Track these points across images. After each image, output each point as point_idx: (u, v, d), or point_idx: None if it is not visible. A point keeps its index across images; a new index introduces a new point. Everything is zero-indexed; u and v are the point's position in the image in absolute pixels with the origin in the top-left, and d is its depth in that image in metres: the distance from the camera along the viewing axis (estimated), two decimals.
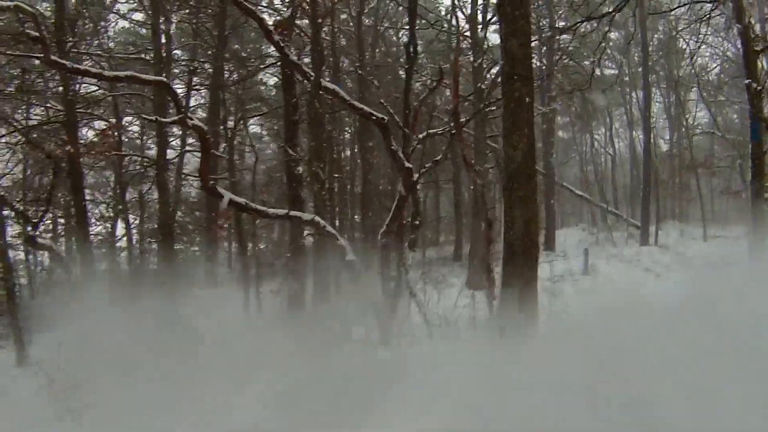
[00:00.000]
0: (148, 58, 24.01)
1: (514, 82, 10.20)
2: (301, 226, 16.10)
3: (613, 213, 36.45)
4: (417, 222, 16.15)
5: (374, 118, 14.16)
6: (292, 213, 14.53)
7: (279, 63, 20.03)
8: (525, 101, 10.24)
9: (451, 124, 16.22)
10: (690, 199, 36.27)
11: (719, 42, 32.98)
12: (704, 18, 28.19)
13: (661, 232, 31.61)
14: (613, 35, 38.18)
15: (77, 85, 22.64)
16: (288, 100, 17.26)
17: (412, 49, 16.48)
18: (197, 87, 28.15)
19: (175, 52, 26.75)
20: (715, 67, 34.89)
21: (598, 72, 38.40)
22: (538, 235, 11.30)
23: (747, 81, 14.17)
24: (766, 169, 14.53)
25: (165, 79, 14.46)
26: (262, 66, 25.13)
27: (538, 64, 33.20)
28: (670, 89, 37.14)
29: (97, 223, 28.54)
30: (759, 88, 13.83)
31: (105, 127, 21.93)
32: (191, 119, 13.62)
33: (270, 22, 16.46)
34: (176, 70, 27.08)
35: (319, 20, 16.07)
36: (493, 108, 21.02)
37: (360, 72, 23.53)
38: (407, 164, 14.37)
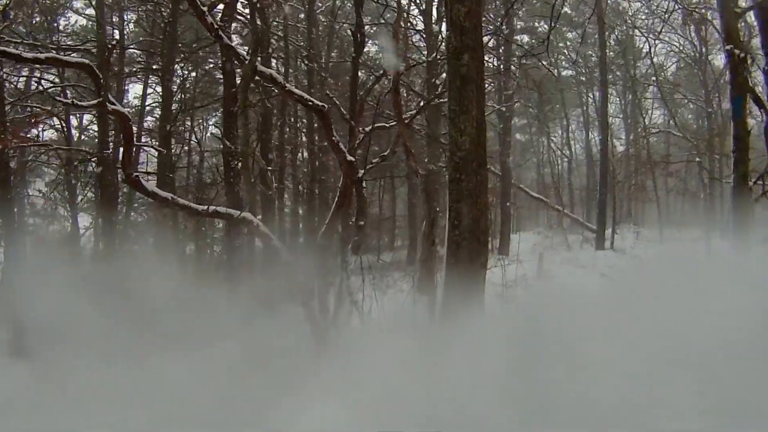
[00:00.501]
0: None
1: (461, 55, 8.84)
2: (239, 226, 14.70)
3: (569, 216, 35.38)
4: (362, 223, 14.74)
5: (312, 104, 12.73)
6: (220, 209, 13.09)
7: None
8: (473, 77, 8.89)
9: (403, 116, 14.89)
10: (646, 201, 35.42)
11: (676, 39, 32.39)
12: (662, 14, 27.57)
13: (617, 236, 30.67)
14: (570, 35, 37.75)
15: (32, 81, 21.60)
16: (227, 89, 15.86)
17: (359, 36, 15.19)
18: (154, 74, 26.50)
19: (133, 52, 25.50)
20: (672, 65, 34.12)
21: (555, 72, 38.07)
22: (488, 233, 10.00)
23: (728, 47, 12.36)
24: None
25: (87, 61, 12.98)
26: (198, 47, 23.21)
27: (496, 63, 32.37)
28: (627, 89, 36.27)
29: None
30: (742, 55, 12.06)
31: (31, 114, 20.32)
32: (113, 104, 12.20)
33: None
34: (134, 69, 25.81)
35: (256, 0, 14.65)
36: (446, 101, 19.65)
37: (307, 63, 21.98)
38: (349, 157, 13.00)
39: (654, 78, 32.97)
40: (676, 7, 28.35)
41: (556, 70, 38.21)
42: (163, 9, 22.77)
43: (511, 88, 30.58)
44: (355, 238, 14.74)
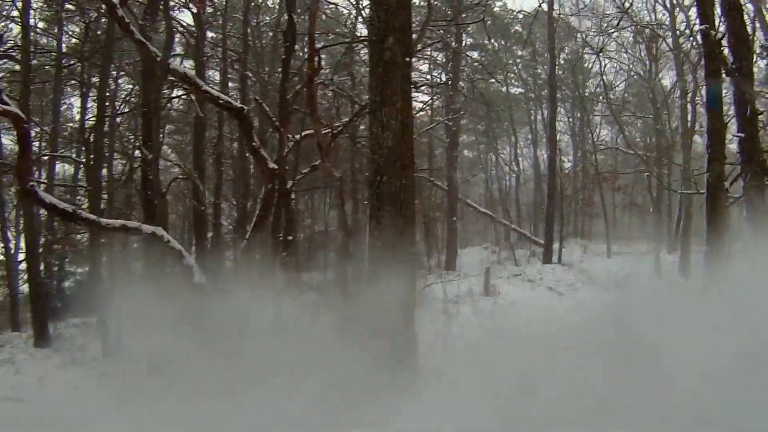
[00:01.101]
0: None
1: (385, 37, 7.20)
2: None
3: (517, 231, 33.96)
4: (291, 238, 13.03)
5: (227, 105, 11.01)
6: (129, 224, 11.31)
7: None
8: (399, 64, 7.26)
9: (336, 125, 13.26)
10: (594, 215, 34.30)
11: (626, 57, 31.43)
12: (611, 30, 26.55)
13: (565, 250, 29.38)
14: (521, 53, 36.68)
15: None
16: (146, 92, 14.08)
17: (289, 38, 13.55)
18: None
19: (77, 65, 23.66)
20: (621, 82, 33.07)
21: (504, 89, 36.95)
22: (415, 246, 8.34)
23: (703, 26, 10.43)
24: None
25: None
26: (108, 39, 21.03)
27: (445, 77, 31.15)
28: (576, 107, 35.17)
29: None
30: (718, 36, 10.14)
31: None
32: (7, 104, 10.44)
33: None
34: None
35: None
36: None
37: (237, 68, 19.99)
38: (271, 164, 11.30)
39: (603, 96, 31.84)
40: (626, 24, 27.57)
41: (505, 87, 37.24)
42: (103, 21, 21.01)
43: (458, 102, 29.23)
44: (283, 254, 13.07)
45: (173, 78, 12.09)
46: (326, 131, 13.99)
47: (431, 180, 29.52)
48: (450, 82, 29.52)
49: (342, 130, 13.60)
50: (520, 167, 39.64)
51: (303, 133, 13.44)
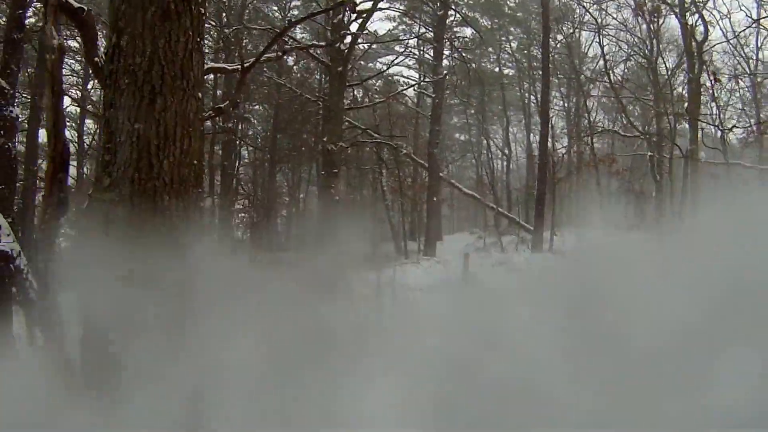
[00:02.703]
0: None
1: None
2: None
3: (505, 215, 29.96)
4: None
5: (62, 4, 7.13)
6: None
7: None
8: None
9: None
10: (590, 202, 30.58)
11: (624, 37, 27.77)
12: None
13: (557, 237, 25.51)
14: (514, 30, 33.78)
15: None
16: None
17: None
18: None
19: None
20: (619, 62, 29.25)
21: (496, 70, 33.57)
22: (203, 172, 4.46)
23: None
24: None
25: None
26: None
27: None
28: (572, 88, 31.42)
29: None
30: None
31: None
32: None
33: None
34: None
35: None
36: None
37: None
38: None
39: (602, 74, 28.11)
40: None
41: (498, 67, 33.95)
42: None
43: (440, 73, 25.56)
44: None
45: None
46: (236, 65, 10.13)
47: (412, 156, 25.73)
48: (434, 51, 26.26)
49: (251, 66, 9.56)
50: (511, 150, 35.99)
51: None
